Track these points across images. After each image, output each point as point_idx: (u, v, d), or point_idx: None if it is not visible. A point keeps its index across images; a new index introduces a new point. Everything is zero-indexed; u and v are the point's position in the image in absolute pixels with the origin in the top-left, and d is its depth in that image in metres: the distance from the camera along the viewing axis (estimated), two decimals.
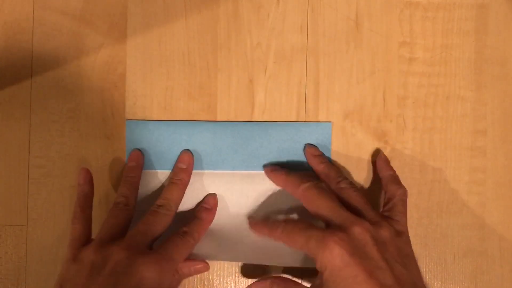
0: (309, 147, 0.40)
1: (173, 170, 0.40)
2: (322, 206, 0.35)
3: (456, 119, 0.41)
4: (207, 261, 0.38)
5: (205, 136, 0.40)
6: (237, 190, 0.40)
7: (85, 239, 0.36)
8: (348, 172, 0.40)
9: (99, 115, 0.40)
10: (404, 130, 0.41)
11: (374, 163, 0.40)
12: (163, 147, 0.40)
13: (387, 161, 0.40)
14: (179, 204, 0.38)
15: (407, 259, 0.34)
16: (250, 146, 0.40)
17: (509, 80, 0.41)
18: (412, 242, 0.40)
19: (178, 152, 0.40)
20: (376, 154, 0.40)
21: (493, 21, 0.41)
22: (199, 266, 0.38)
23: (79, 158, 0.40)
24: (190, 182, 0.39)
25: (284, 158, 0.40)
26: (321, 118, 0.40)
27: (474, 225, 0.41)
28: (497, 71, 0.41)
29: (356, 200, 0.36)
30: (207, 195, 0.40)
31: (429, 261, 0.40)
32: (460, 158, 0.41)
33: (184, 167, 0.39)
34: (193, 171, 0.40)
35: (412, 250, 0.35)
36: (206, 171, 0.40)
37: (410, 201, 0.40)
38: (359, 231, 0.33)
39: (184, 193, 0.39)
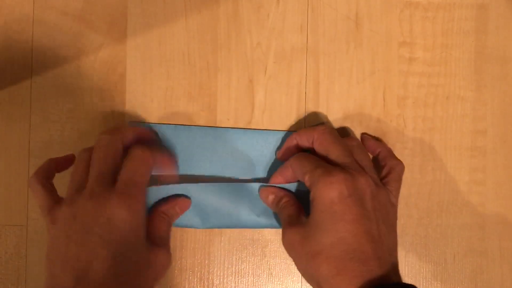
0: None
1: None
2: (334, 150, 0.35)
3: (456, 119, 0.41)
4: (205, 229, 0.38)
5: (205, 142, 0.40)
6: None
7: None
8: None
9: (99, 115, 0.40)
10: (404, 130, 0.41)
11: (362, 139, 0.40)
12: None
13: (378, 138, 0.40)
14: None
15: (392, 228, 0.34)
16: (250, 154, 0.40)
17: (509, 80, 0.41)
18: (412, 242, 0.40)
19: (179, 156, 0.39)
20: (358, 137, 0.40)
21: (493, 21, 0.41)
22: (182, 202, 0.37)
23: None
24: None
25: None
26: (321, 118, 0.40)
27: (474, 225, 0.41)
28: (497, 71, 0.41)
29: (364, 159, 0.35)
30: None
31: (429, 261, 0.40)
32: (460, 158, 0.41)
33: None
34: (193, 179, 0.39)
35: (396, 224, 0.35)
36: (206, 177, 0.39)
37: (410, 201, 0.40)
38: (363, 181, 0.33)
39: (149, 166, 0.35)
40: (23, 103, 0.40)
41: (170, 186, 0.37)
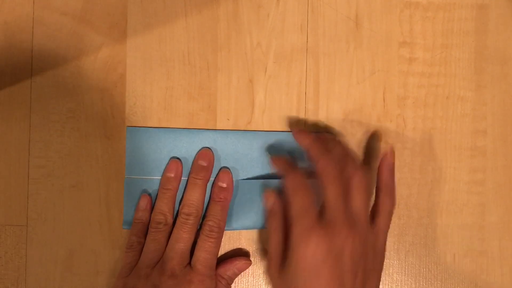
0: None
1: (192, 167, 0.39)
2: (330, 192, 0.34)
3: (456, 119, 0.41)
4: None
5: (205, 144, 0.40)
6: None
7: (134, 266, 0.37)
8: None
9: (99, 115, 0.40)
10: (404, 130, 0.41)
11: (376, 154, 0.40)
12: (163, 154, 0.39)
13: (392, 170, 0.37)
14: (203, 204, 0.39)
15: (372, 273, 0.34)
16: (250, 156, 0.40)
17: (509, 80, 0.41)
18: (412, 242, 0.40)
19: (179, 159, 0.40)
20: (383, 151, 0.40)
21: (493, 21, 0.41)
22: (240, 264, 0.39)
23: (79, 158, 0.40)
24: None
25: None
26: (321, 118, 0.40)
27: (474, 225, 0.41)
28: (497, 71, 0.41)
29: (358, 204, 0.34)
30: (219, 171, 0.39)
31: (429, 261, 0.40)
32: (460, 158, 0.41)
33: (205, 164, 0.39)
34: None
35: (381, 268, 0.35)
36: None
37: (410, 201, 0.40)
38: (344, 237, 0.32)
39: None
40: (23, 103, 0.40)
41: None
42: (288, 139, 0.40)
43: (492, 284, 0.40)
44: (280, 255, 0.35)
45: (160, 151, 0.39)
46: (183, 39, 0.40)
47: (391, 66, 0.41)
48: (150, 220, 0.38)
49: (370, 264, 0.34)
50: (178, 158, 0.39)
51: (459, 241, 0.40)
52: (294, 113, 0.40)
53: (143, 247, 0.38)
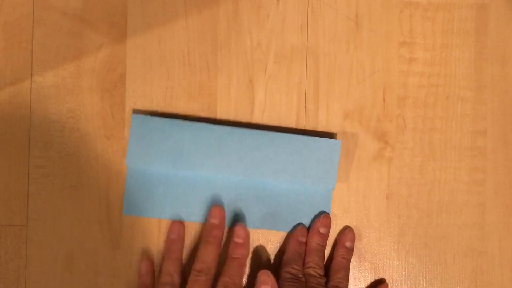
0: (323, 219, 0.39)
1: (204, 226, 0.39)
2: None
3: (456, 119, 0.41)
4: None
5: (210, 139, 0.39)
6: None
7: None
8: (347, 173, 0.40)
9: (99, 115, 0.40)
10: (404, 130, 0.41)
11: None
12: (166, 145, 0.39)
13: (351, 249, 0.40)
14: (217, 263, 0.37)
15: None
16: (255, 155, 0.39)
17: (509, 80, 0.41)
18: (412, 242, 0.40)
19: (181, 151, 0.39)
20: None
21: (493, 21, 0.41)
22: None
23: (79, 158, 0.40)
24: (193, 185, 0.40)
25: (289, 170, 0.39)
26: (321, 118, 0.40)
27: (474, 225, 0.41)
28: (497, 71, 0.41)
29: None
30: (236, 227, 0.38)
31: (429, 261, 0.40)
32: (460, 158, 0.41)
33: (217, 223, 0.38)
34: (196, 178, 0.40)
35: None
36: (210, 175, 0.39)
37: (410, 201, 0.40)
38: None
39: (220, 250, 0.38)
40: (23, 103, 0.40)
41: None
42: (295, 143, 0.39)
43: (492, 284, 0.40)
44: None
45: (163, 142, 0.38)
46: (183, 39, 0.40)
47: (391, 66, 0.41)
48: (155, 282, 0.38)
49: None
50: (181, 222, 0.39)
51: (459, 241, 0.40)
52: (294, 113, 0.40)
53: None
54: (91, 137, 0.40)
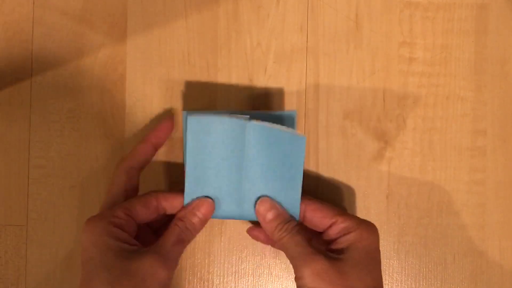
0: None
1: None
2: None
3: (456, 119, 0.41)
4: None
5: (235, 132, 0.34)
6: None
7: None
8: (347, 172, 0.40)
9: (99, 115, 0.40)
10: (404, 130, 0.41)
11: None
12: (224, 149, 0.35)
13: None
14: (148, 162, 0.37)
15: None
16: (273, 155, 0.35)
17: (509, 80, 0.41)
18: (412, 242, 0.40)
19: (203, 146, 0.35)
20: None
21: (493, 21, 0.41)
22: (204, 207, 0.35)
23: (79, 158, 0.40)
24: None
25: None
26: (321, 118, 0.40)
27: (474, 225, 0.41)
28: (497, 71, 0.41)
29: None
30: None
31: (429, 261, 0.40)
32: (460, 158, 0.41)
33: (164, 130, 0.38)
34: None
35: None
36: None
37: (410, 201, 0.40)
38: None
39: (154, 153, 0.37)
40: (23, 103, 0.40)
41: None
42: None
43: (492, 284, 0.40)
44: (314, 246, 0.34)
45: (223, 145, 0.35)
46: (183, 39, 0.40)
47: (391, 66, 0.41)
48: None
49: None
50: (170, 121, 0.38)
51: (459, 241, 0.40)
52: None
53: None
54: (91, 137, 0.40)
